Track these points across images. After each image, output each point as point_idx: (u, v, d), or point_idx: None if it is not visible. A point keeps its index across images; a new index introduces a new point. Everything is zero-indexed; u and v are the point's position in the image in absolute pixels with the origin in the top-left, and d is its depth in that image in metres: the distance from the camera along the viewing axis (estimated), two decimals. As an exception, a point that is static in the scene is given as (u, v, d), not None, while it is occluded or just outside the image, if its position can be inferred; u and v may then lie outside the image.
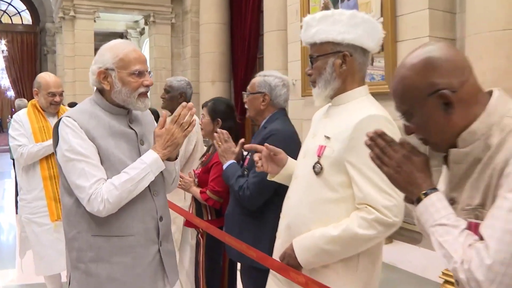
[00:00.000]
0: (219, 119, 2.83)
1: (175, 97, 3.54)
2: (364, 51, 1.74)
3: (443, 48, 1.17)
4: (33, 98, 3.50)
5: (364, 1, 5.63)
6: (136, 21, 15.38)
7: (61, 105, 3.55)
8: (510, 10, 4.07)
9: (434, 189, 1.18)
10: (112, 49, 1.82)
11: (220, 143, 2.30)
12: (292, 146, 2.13)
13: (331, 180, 1.66)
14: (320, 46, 1.72)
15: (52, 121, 3.40)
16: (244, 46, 9.73)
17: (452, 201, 1.20)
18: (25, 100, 8.00)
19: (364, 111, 1.65)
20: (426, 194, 1.17)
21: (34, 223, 3.35)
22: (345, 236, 1.60)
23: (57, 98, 3.37)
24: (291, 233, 1.77)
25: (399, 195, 1.48)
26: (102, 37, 16.38)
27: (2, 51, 18.53)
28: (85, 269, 1.78)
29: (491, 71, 4.20)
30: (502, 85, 4.06)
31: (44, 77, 3.40)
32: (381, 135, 1.24)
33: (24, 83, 20.43)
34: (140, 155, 1.84)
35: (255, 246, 2.07)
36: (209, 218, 2.72)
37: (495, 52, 4.17)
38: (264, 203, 2.25)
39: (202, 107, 2.93)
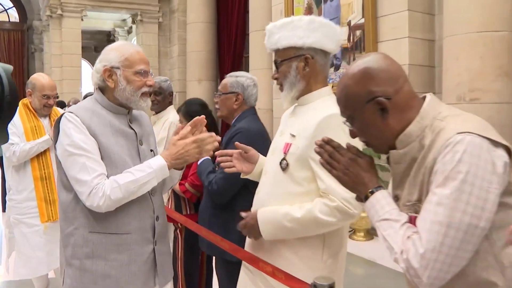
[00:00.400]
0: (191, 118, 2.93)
1: (166, 98, 3.62)
2: (324, 53, 1.85)
3: (380, 59, 1.28)
4: (23, 97, 3.47)
5: (346, 2, 5.75)
6: (124, 20, 15.36)
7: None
8: (484, 13, 4.21)
9: (380, 187, 1.29)
10: (118, 49, 1.87)
11: None
12: (259, 143, 2.21)
13: (296, 175, 1.77)
14: (283, 52, 1.83)
15: (44, 121, 3.40)
16: (230, 45, 9.82)
17: (396, 198, 1.31)
18: (12, 99, 8.00)
19: (326, 110, 1.75)
20: (372, 192, 1.28)
21: (23, 224, 3.29)
22: (307, 218, 1.71)
23: (51, 101, 3.36)
24: None
25: None
26: (90, 36, 16.33)
27: (-12, 49, 18.30)
28: (79, 266, 1.79)
29: (466, 72, 4.34)
30: (476, 85, 4.23)
31: (39, 79, 3.37)
32: (328, 142, 1.36)
33: (11, 81, 20.15)
34: (139, 155, 1.88)
35: (225, 238, 2.15)
36: (188, 212, 2.82)
37: (470, 53, 4.30)
38: (233, 197, 2.34)
39: (178, 113, 3.02)
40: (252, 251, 1.94)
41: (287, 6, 6.78)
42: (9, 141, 3.13)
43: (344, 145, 1.36)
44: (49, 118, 3.46)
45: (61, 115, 1.82)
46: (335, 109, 1.74)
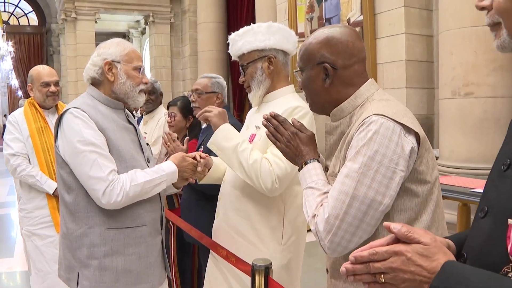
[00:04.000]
0: (191, 116, 3.07)
1: (158, 97, 3.78)
2: (284, 53, 2.01)
3: (345, 33, 1.38)
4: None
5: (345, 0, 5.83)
6: (138, 21, 15.64)
7: (60, 102, 3.23)
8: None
9: (314, 159, 1.40)
10: (119, 44, 1.88)
11: (168, 143, 2.49)
12: None
13: None
14: (248, 55, 1.98)
15: (52, 120, 3.02)
16: (239, 44, 9.92)
17: (327, 169, 1.42)
18: (29, 101, 8.20)
19: (288, 104, 1.90)
20: (306, 163, 1.39)
21: (36, 236, 2.98)
22: (251, 167, 1.83)
23: (52, 88, 3.03)
24: (227, 212, 2.02)
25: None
26: (106, 37, 16.69)
27: (10, 52, 18.81)
28: (99, 265, 1.76)
29: (460, 66, 4.39)
30: (471, 79, 4.28)
31: (36, 68, 3.12)
32: (275, 116, 1.48)
33: (31, 83, 20.62)
34: (142, 149, 1.91)
35: (211, 227, 2.27)
36: (180, 205, 2.96)
37: (464, 48, 4.35)
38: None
39: (169, 106, 3.15)
40: (218, 235, 2.08)
41: (290, 5, 6.88)
42: (10, 150, 2.94)
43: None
44: (58, 115, 2.96)
45: (64, 112, 1.78)
46: (296, 102, 1.90)
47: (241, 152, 1.84)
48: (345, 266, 0.84)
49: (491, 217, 0.82)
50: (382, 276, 0.81)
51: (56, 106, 3.18)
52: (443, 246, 0.82)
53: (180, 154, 1.96)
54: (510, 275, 0.73)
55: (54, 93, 3.05)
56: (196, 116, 2.11)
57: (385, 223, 0.84)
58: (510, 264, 0.74)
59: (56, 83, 3.09)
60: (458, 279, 0.74)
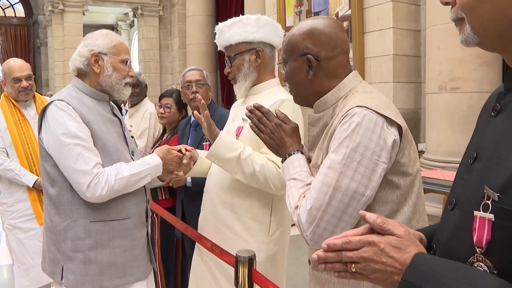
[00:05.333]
0: (184, 110, 3.09)
1: (143, 90, 3.76)
2: (271, 47, 2.02)
3: (329, 24, 1.38)
4: None
5: (334, -6, 5.83)
6: (126, 14, 15.51)
7: (37, 94, 3.20)
8: (463, 2, 4.27)
9: (298, 151, 1.40)
10: (107, 36, 1.86)
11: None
12: None
13: None
14: (236, 46, 1.98)
15: (30, 112, 3.07)
16: (228, 37, 9.90)
17: (309, 160, 1.42)
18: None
19: (275, 97, 1.91)
20: (289, 155, 1.40)
21: (18, 229, 2.97)
22: (259, 173, 1.81)
23: (24, 83, 2.97)
24: (214, 204, 2.02)
25: None
26: (94, 30, 16.52)
27: (-4, 44, 18.49)
28: (84, 258, 1.75)
29: (447, 61, 4.42)
30: (457, 74, 4.31)
31: (8, 62, 3.04)
32: (258, 108, 1.48)
33: (18, 75, 20.34)
34: (127, 143, 1.90)
35: None
36: (163, 197, 2.96)
37: (451, 43, 4.37)
38: None
39: (163, 97, 3.14)
40: (204, 228, 2.08)
41: (280, -2, 6.87)
42: None
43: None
44: (36, 107, 3.12)
45: (48, 104, 1.76)
46: (283, 95, 1.91)
47: (244, 160, 1.81)
48: (317, 253, 0.84)
49: (459, 209, 0.83)
50: (353, 265, 0.81)
51: (34, 97, 3.14)
52: (416, 239, 0.83)
53: (165, 147, 1.95)
54: (475, 265, 0.74)
55: (26, 88, 2.99)
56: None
57: (361, 212, 0.84)
58: (476, 255, 0.75)
59: (28, 77, 3.01)
60: (427, 271, 0.74)
